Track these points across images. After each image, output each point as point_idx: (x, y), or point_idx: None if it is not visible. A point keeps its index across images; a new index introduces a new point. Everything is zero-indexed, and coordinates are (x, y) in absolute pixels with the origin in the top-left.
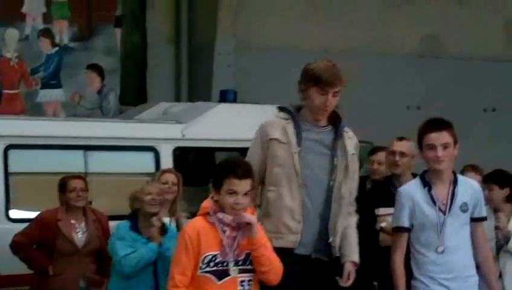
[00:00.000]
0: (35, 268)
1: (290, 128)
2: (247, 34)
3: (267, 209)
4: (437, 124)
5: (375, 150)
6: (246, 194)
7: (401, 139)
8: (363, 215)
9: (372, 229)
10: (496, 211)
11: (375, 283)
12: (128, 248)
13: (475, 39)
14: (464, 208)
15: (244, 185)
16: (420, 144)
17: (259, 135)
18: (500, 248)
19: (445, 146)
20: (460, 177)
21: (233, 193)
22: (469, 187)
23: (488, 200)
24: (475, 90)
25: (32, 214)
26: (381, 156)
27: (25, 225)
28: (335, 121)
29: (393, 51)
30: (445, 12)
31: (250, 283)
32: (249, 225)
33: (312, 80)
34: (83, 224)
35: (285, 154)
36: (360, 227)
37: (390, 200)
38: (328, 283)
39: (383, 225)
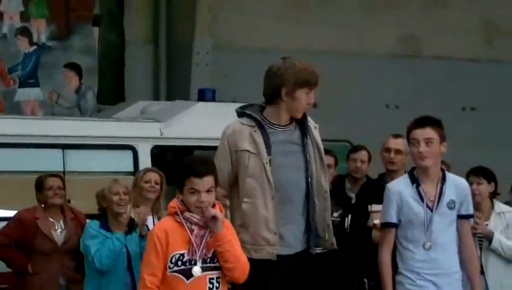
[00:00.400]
0: (14, 267)
1: (258, 137)
2: (225, 33)
3: (243, 220)
4: (422, 121)
5: (356, 148)
6: (209, 190)
7: (396, 136)
8: (356, 211)
9: (364, 226)
10: (475, 207)
11: (366, 280)
12: (99, 245)
13: (453, 39)
14: (450, 205)
15: (205, 182)
16: (408, 142)
17: (226, 144)
18: (480, 245)
19: (428, 141)
20: (448, 175)
21: (195, 191)
22: (457, 185)
23: (473, 194)
24: (454, 89)
25: (10, 213)
26: (363, 154)
27: (3, 223)
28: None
29: (373, 51)
30: (424, 13)
31: (219, 280)
32: (214, 219)
33: (303, 81)
34: (61, 222)
35: (256, 165)
36: (353, 224)
37: (383, 197)
38: (320, 276)
39: (375, 221)
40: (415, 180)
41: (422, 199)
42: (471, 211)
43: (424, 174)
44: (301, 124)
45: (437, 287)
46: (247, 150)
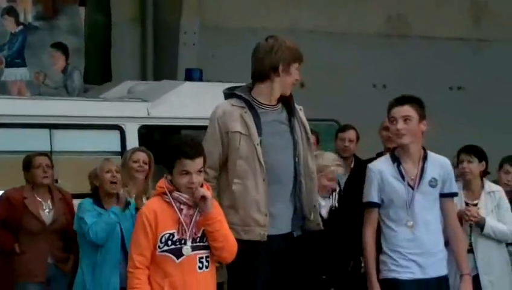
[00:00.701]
0: (1, 247)
1: (249, 118)
2: (212, 13)
3: (233, 201)
4: (401, 100)
5: (345, 127)
6: (199, 171)
7: None
8: (349, 191)
9: (357, 205)
10: (466, 186)
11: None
12: (95, 218)
13: (441, 19)
14: (432, 183)
15: (196, 164)
16: (389, 121)
17: (216, 125)
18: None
19: (406, 119)
20: (430, 154)
21: (186, 173)
22: (439, 163)
23: (464, 173)
24: (441, 69)
25: None
26: (351, 134)
27: None
28: (286, 97)
29: (360, 31)
30: None
31: (208, 259)
32: (203, 199)
33: (296, 56)
34: (49, 202)
35: (247, 147)
36: (345, 203)
37: None
38: (304, 258)
39: None
40: (396, 159)
41: (403, 178)
42: (454, 189)
43: (404, 152)
44: (287, 105)
45: (420, 267)
46: (239, 132)
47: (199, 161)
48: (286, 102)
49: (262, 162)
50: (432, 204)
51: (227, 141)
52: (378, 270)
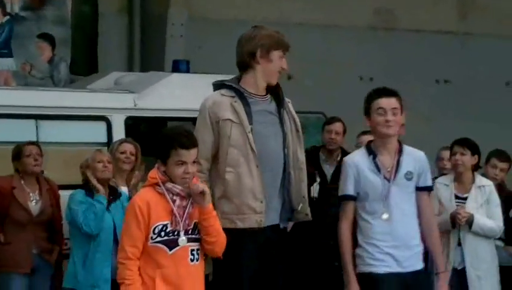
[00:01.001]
0: None
1: (239, 107)
2: (200, 5)
3: (226, 191)
4: (386, 91)
5: (331, 120)
6: (194, 162)
7: None
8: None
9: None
10: (456, 178)
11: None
12: (86, 212)
13: (428, 12)
14: (408, 177)
15: (192, 154)
16: (367, 111)
17: (207, 116)
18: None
19: (394, 112)
20: (405, 147)
21: (182, 163)
22: (414, 157)
23: (456, 164)
24: (428, 62)
25: None
26: (338, 126)
27: None
28: (275, 88)
29: (348, 24)
30: None
31: (199, 251)
32: (201, 193)
33: (277, 43)
34: (36, 193)
35: (239, 135)
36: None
37: None
38: (290, 250)
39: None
40: (371, 152)
41: (379, 170)
42: (429, 183)
43: (382, 145)
44: (276, 97)
45: (396, 261)
46: (230, 119)
47: (194, 152)
48: (275, 93)
49: (255, 149)
50: (407, 197)
51: (218, 129)
52: (355, 265)
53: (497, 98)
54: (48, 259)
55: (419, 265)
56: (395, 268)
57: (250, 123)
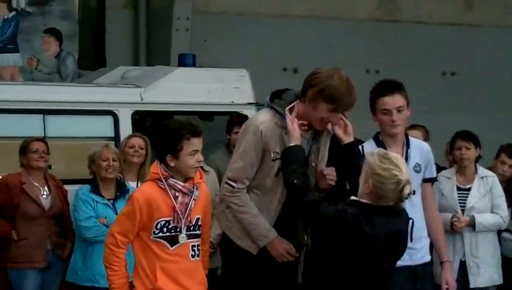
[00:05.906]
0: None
1: (287, 142)
2: None
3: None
4: (389, 88)
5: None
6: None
7: None
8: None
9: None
10: (459, 171)
11: None
12: (87, 214)
13: (433, 3)
14: (417, 169)
15: (201, 142)
16: (373, 107)
17: (260, 139)
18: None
19: (399, 110)
20: (412, 139)
21: (195, 152)
22: (421, 149)
23: (462, 159)
24: (434, 54)
25: None
26: None
27: None
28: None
29: (352, 15)
30: None
31: (199, 247)
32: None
33: (327, 95)
34: (45, 187)
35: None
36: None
37: None
38: None
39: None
40: (380, 145)
41: None
42: (434, 174)
43: (391, 139)
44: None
45: (409, 254)
46: (277, 152)
47: (201, 139)
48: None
49: (284, 188)
50: (416, 189)
51: (263, 155)
52: None
53: (504, 90)
54: (60, 254)
55: (428, 257)
56: (407, 261)
57: None
